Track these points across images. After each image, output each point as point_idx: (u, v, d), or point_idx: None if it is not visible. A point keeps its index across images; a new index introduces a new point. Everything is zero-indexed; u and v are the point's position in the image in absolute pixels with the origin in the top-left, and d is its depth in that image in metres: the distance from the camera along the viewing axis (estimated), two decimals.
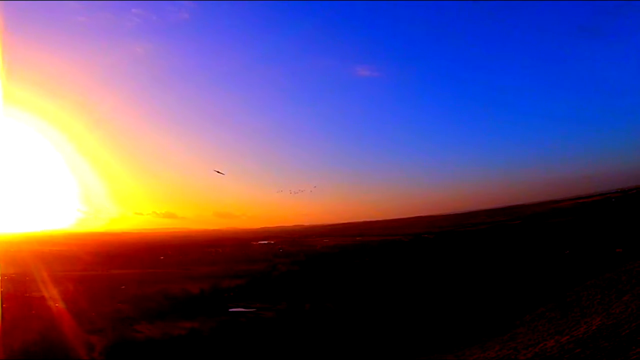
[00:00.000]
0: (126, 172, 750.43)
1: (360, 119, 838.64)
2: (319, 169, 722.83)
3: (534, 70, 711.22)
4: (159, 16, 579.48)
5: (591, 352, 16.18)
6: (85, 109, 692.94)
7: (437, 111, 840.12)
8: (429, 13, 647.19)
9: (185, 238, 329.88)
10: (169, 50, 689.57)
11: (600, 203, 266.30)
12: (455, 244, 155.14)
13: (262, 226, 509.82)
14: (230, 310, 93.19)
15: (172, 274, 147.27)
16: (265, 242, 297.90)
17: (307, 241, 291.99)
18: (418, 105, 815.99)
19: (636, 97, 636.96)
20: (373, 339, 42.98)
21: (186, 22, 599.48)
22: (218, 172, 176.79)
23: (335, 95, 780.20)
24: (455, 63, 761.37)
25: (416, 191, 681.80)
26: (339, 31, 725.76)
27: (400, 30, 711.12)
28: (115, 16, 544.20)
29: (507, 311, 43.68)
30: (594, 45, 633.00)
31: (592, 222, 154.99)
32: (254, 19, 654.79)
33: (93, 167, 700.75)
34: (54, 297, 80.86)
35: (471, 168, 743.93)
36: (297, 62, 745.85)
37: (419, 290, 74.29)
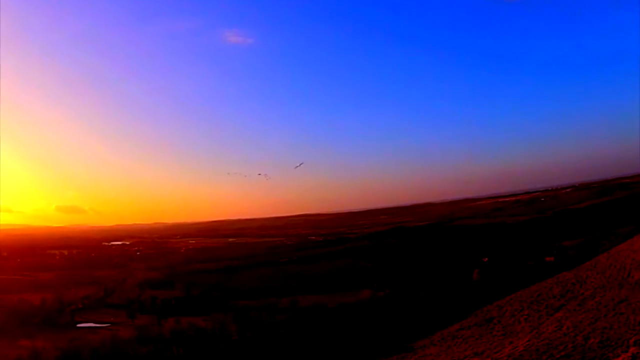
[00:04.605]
0: None
1: (230, 95, 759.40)
2: (182, 154, 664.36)
3: (451, 52, 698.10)
4: None
5: None
6: None
7: (326, 88, 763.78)
8: None
9: (23, 237, 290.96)
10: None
11: (528, 203, 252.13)
12: (349, 248, 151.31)
13: (115, 224, 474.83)
14: (79, 325, 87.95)
15: (8, 280, 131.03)
16: (120, 243, 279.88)
17: (169, 243, 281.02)
18: (299, 80, 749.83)
19: (568, 91, 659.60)
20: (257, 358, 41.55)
21: None
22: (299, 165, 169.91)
23: (199, 66, 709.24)
24: (344, 32, 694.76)
25: (301, 185, 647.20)
26: None
27: None
28: None
29: (413, 326, 39.05)
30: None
31: (518, 225, 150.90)
32: None
33: None
34: None
35: (368, 160, 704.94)
36: (149, 25, 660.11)
37: (312, 301, 74.43)
